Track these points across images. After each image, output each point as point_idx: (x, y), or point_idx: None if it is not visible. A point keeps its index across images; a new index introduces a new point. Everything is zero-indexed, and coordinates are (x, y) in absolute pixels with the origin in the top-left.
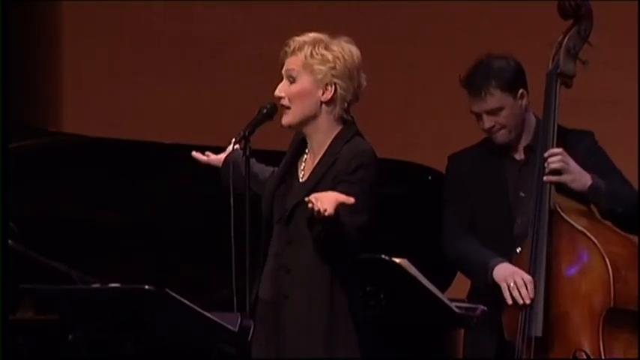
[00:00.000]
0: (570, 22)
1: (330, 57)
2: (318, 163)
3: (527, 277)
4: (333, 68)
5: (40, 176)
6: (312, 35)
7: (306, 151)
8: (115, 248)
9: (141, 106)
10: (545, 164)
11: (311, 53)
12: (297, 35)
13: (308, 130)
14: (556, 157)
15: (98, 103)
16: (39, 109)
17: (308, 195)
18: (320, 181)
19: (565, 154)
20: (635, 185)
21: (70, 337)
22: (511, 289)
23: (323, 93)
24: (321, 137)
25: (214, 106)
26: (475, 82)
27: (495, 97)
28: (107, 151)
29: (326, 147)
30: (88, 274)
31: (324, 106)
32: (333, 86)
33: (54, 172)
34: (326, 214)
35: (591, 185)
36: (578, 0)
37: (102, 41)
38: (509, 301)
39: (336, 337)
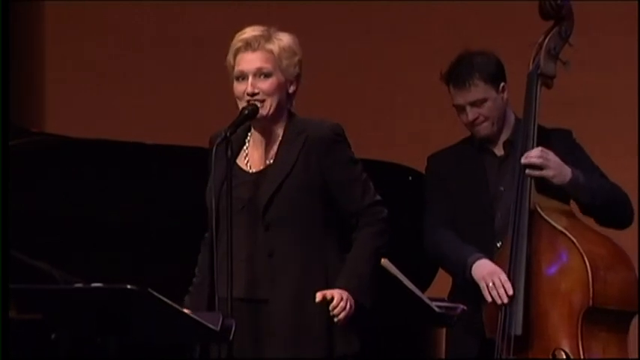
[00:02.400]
0: (551, 22)
1: (295, 49)
2: (280, 145)
3: (504, 277)
4: (299, 61)
5: (22, 176)
6: (260, 28)
7: (246, 146)
8: (98, 248)
9: (123, 107)
10: (523, 159)
11: (282, 47)
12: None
13: (270, 122)
14: (535, 153)
15: (81, 104)
16: (22, 109)
17: (285, 179)
18: (297, 160)
19: (545, 149)
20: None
21: (52, 336)
22: (490, 288)
23: (290, 85)
24: (277, 128)
25: (197, 107)
26: (459, 74)
27: (480, 88)
28: (90, 152)
29: (281, 133)
30: (71, 274)
31: (288, 98)
32: (297, 79)
33: (36, 173)
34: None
35: (571, 179)
36: (559, 0)
37: (85, 41)
38: (489, 300)
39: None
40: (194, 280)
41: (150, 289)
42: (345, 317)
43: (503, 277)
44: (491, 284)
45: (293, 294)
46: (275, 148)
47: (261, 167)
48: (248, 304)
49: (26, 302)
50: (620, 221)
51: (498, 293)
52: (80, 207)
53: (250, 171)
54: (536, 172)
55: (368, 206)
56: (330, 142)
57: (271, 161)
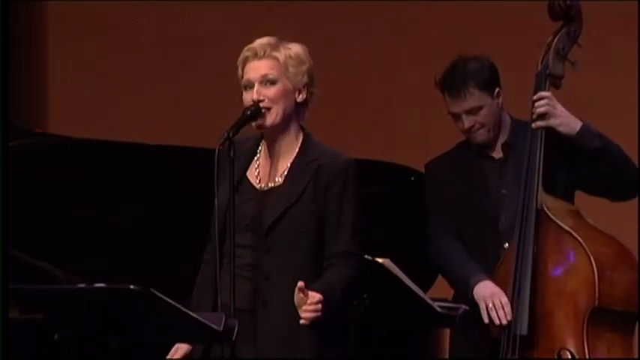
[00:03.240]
0: (559, 23)
1: (304, 58)
2: (292, 167)
3: (505, 300)
4: (308, 69)
5: (24, 177)
6: (268, 38)
7: (257, 157)
8: (98, 248)
9: (124, 107)
10: (532, 110)
11: (288, 55)
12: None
13: (279, 132)
14: (542, 101)
15: (82, 103)
16: (25, 109)
17: (291, 206)
18: (306, 188)
19: (552, 97)
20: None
21: (55, 336)
22: (489, 309)
23: (299, 94)
24: (289, 141)
25: (197, 107)
26: (454, 82)
27: (475, 97)
28: (92, 152)
29: (296, 151)
30: (74, 274)
31: (297, 108)
32: (306, 88)
33: (39, 173)
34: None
35: (582, 127)
36: (569, 1)
37: (87, 41)
38: (486, 320)
39: (324, 344)
40: (192, 303)
41: (152, 289)
42: (311, 320)
43: (504, 299)
44: (490, 305)
45: (285, 316)
46: (285, 165)
47: (270, 184)
48: (244, 314)
49: (29, 302)
50: (627, 184)
51: (497, 314)
52: (80, 207)
53: (259, 187)
54: (542, 123)
55: (350, 253)
56: (341, 176)
57: (280, 180)
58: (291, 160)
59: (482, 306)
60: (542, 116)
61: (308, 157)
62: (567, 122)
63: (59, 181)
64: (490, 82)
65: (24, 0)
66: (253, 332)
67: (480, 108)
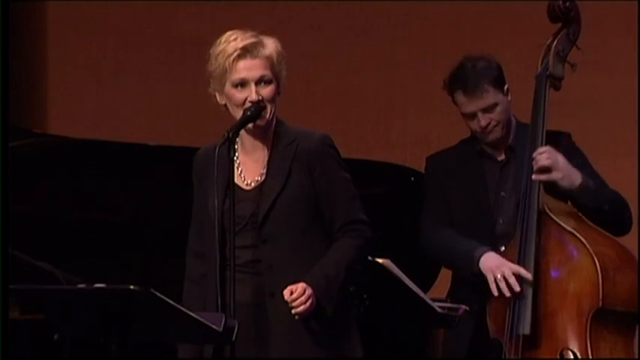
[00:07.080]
0: (556, 25)
1: (284, 53)
2: (271, 156)
3: (515, 268)
4: (285, 63)
5: (24, 177)
6: (250, 34)
7: (236, 157)
8: (101, 248)
9: (126, 107)
10: (534, 162)
11: (276, 53)
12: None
13: (269, 127)
14: (544, 155)
15: (83, 105)
16: (25, 109)
17: (280, 194)
18: (290, 172)
19: (553, 150)
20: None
21: (55, 336)
22: (498, 280)
23: (279, 87)
24: (266, 133)
25: (199, 107)
26: (467, 81)
27: (490, 94)
28: (92, 153)
29: (271, 140)
30: (74, 274)
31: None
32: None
33: (39, 174)
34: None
35: (581, 184)
36: (568, 3)
37: (87, 41)
38: (495, 293)
39: (337, 323)
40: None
41: (152, 289)
42: (303, 313)
43: (514, 267)
44: (499, 277)
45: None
46: (265, 156)
47: (257, 178)
48: (251, 308)
49: (29, 303)
50: (620, 229)
51: (507, 284)
52: (80, 207)
53: (246, 187)
54: (543, 177)
55: (353, 222)
56: (320, 153)
57: (264, 172)
58: (269, 150)
59: (490, 278)
60: (544, 170)
61: (284, 141)
62: (569, 175)
63: (59, 181)
64: (500, 79)
65: (24, 0)
66: (259, 326)
67: (496, 105)
